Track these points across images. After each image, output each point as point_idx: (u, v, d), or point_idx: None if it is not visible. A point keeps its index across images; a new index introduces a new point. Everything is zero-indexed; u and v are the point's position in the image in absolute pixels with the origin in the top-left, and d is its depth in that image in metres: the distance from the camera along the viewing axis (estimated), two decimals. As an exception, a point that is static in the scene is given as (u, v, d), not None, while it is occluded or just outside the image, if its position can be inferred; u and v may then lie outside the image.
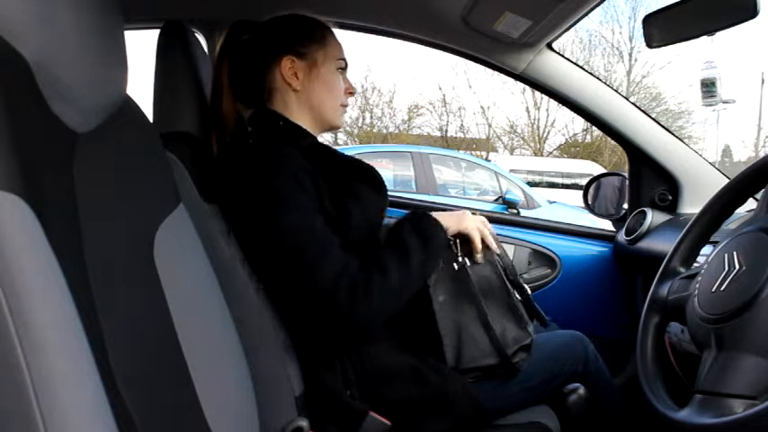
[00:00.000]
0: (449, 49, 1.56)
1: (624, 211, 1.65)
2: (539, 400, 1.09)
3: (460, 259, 1.01)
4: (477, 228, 1.04)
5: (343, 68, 1.08)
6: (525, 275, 1.65)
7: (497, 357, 1.01)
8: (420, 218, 1.00)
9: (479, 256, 1.04)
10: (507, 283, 1.04)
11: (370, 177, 1.04)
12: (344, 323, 0.88)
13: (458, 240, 1.04)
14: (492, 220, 1.72)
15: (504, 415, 1.06)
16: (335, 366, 0.95)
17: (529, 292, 1.08)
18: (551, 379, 1.09)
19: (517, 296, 1.05)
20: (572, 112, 1.58)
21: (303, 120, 1.05)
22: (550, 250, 1.67)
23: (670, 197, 1.55)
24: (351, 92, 1.09)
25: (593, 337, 1.22)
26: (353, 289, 0.87)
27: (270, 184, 0.91)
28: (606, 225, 1.87)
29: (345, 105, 1.09)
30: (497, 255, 1.06)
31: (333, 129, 1.11)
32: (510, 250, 1.64)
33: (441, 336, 0.99)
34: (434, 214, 1.02)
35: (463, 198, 6.54)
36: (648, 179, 1.57)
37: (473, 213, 1.11)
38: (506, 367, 1.02)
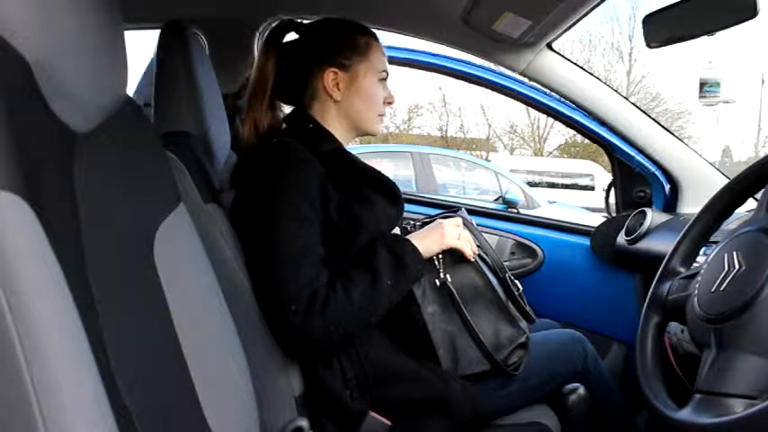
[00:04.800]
0: (449, 50, 1.56)
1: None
2: (539, 399, 1.09)
3: (442, 275, 1.01)
4: (458, 238, 1.02)
5: (384, 79, 1.09)
6: (507, 263, 1.73)
7: (489, 364, 1.01)
8: (398, 245, 0.98)
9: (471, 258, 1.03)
10: (494, 283, 1.04)
11: (387, 189, 1.03)
12: (296, 334, 0.89)
13: (440, 256, 1.02)
14: (479, 213, 1.79)
15: (505, 415, 1.06)
16: (335, 366, 0.95)
17: (520, 289, 1.08)
18: (551, 379, 1.09)
19: (503, 295, 1.04)
20: (572, 113, 1.59)
21: (338, 127, 1.06)
22: (533, 241, 1.73)
23: (647, 195, 1.61)
24: (390, 101, 1.10)
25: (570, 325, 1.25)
26: (311, 303, 0.87)
27: (275, 184, 0.93)
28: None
29: (383, 114, 1.10)
30: (485, 255, 1.06)
31: (368, 135, 1.13)
32: (493, 240, 1.72)
33: (434, 346, 0.99)
34: (415, 237, 1.00)
35: (463, 198, 6.54)
36: (628, 179, 1.64)
37: (453, 211, 1.12)
38: (500, 372, 1.02)
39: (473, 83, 1.77)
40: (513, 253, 1.74)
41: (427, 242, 1.00)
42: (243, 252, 0.94)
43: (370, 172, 1.04)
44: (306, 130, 1.03)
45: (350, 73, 1.04)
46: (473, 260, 1.03)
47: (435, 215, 1.15)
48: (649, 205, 1.59)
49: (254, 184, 0.96)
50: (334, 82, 1.04)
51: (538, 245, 1.71)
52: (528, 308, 1.07)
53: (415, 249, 0.98)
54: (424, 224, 1.08)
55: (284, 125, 1.06)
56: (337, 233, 0.95)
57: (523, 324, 1.05)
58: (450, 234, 1.01)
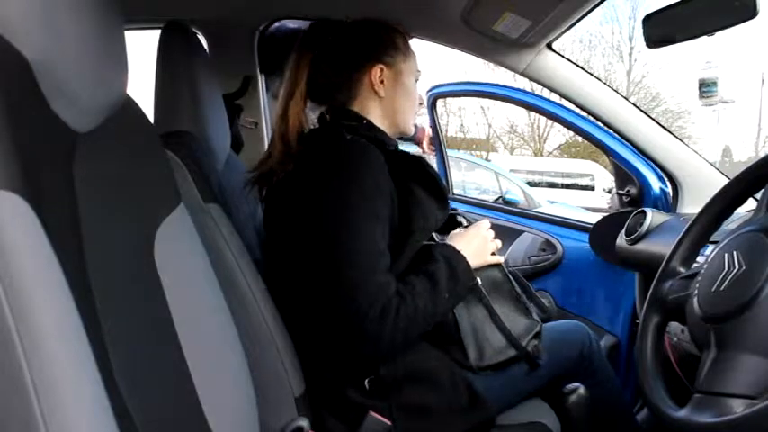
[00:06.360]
0: (449, 50, 1.56)
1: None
2: (542, 387, 1.12)
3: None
4: (493, 252, 1.06)
5: (418, 80, 1.13)
6: (536, 257, 1.91)
7: (515, 350, 1.03)
8: (455, 259, 0.99)
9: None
10: (511, 279, 1.08)
11: (437, 191, 1.02)
12: (367, 340, 0.88)
13: None
14: (507, 211, 2.06)
15: (512, 399, 1.09)
16: (340, 366, 0.95)
17: (530, 287, 1.14)
18: (554, 363, 1.12)
19: (518, 288, 1.09)
20: (572, 113, 1.61)
21: (381, 125, 1.06)
22: (556, 238, 1.87)
23: (633, 195, 1.67)
24: (421, 102, 1.15)
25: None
26: (385, 311, 0.87)
27: (352, 181, 0.91)
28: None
29: (418, 114, 1.15)
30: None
31: (404, 135, 1.13)
32: (527, 238, 1.97)
33: (462, 337, 1.01)
34: (466, 255, 1.00)
35: (463, 198, 6.55)
36: (622, 179, 1.70)
37: (470, 219, 1.15)
38: (524, 357, 1.04)
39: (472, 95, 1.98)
40: (543, 249, 1.89)
41: (472, 260, 1.01)
42: (245, 253, 0.94)
43: (429, 171, 1.03)
44: (362, 126, 1.03)
45: (394, 70, 1.07)
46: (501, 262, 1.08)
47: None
48: (636, 204, 1.63)
49: (322, 182, 0.93)
50: (380, 78, 1.05)
51: (559, 241, 1.85)
52: (542, 300, 1.13)
53: (468, 268, 0.99)
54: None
55: (328, 118, 1.05)
56: (393, 233, 0.95)
57: (536, 315, 1.09)
58: (489, 251, 1.06)
